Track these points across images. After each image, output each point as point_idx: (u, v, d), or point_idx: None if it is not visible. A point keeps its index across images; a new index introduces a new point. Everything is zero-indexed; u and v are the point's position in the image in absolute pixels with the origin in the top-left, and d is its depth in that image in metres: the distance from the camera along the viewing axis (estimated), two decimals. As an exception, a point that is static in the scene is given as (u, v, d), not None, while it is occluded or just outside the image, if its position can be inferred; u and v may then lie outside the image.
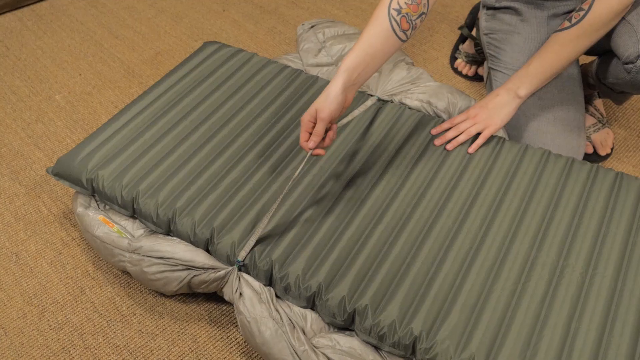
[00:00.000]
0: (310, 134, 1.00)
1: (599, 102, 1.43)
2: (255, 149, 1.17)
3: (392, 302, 0.93)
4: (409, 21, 1.00)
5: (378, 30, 0.99)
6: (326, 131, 1.01)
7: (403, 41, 1.02)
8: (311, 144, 0.98)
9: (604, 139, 1.38)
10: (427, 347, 0.88)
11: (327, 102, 0.96)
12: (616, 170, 1.35)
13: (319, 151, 1.01)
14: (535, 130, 1.21)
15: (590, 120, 1.41)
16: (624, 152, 1.41)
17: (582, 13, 1.06)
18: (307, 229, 1.04)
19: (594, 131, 1.39)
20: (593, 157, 1.38)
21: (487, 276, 0.96)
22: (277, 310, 0.97)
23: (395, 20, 0.99)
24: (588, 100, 1.43)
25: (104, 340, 1.07)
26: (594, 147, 1.38)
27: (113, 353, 1.05)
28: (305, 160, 1.03)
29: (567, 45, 1.10)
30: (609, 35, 1.12)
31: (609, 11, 1.04)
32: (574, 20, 1.08)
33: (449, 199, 1.07)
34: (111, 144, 1.19)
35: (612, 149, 1.39)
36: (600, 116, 1.41)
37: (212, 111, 1.25)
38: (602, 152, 1.37)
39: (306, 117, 0.99)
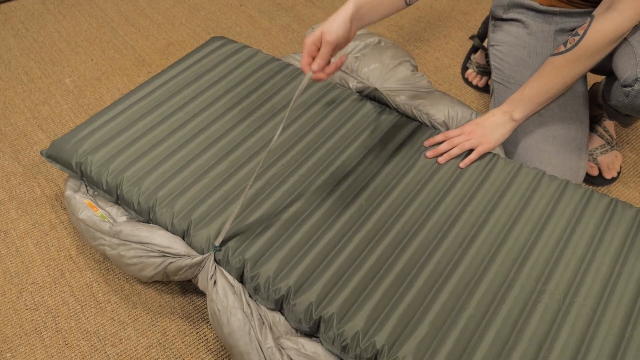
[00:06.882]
0: (313, 59, 0.96)
1: (609, 124, 1.37)
2: (243, 145, 1.16)
3: (359, 313, 0.91)
4: None
5: None
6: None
7: (407, 5, 1.05)
8: (315, 65, 0.94)
9: (611, 162, 1.33)
10: (387, 362, 0.86)
11: (334, 25, 0.94)
12: (620, 196, 1.30)
13: (321, 75, 0.95)
14: (533, 148, 1.17)
15: (598, 142, 1.35)
16: (632, 177, 1.35)
17: (577, 38, 1.03)
18: (284, 231, 1.02)
19: (602, 153, 1.34)
20: (598, 180, 1.32)
21: (460, 295, 0.93)
22: (249, 305, 0.96)
23: None
24: (597, 121, 1.37)
25: (76, 324, 1.08)
26: (599, 170, 1.33)
27: (83, 338, 1.06)
28: (304, 83, 0.95)
29: (562, 70, 1.07)
30: (611, 56, 1.08)
31: (603, 38, 1.01)
32: (569, 45, 1.05)
33: (433, 213, 1.04)
34: (104, 131, 1.20)
35: (619, 173, 1.33)
36: (609, 138, 1.35)
37: (206, 105, 1.25)
38: (608, 176, 1.32)
39: (310, 39, 0.95)
